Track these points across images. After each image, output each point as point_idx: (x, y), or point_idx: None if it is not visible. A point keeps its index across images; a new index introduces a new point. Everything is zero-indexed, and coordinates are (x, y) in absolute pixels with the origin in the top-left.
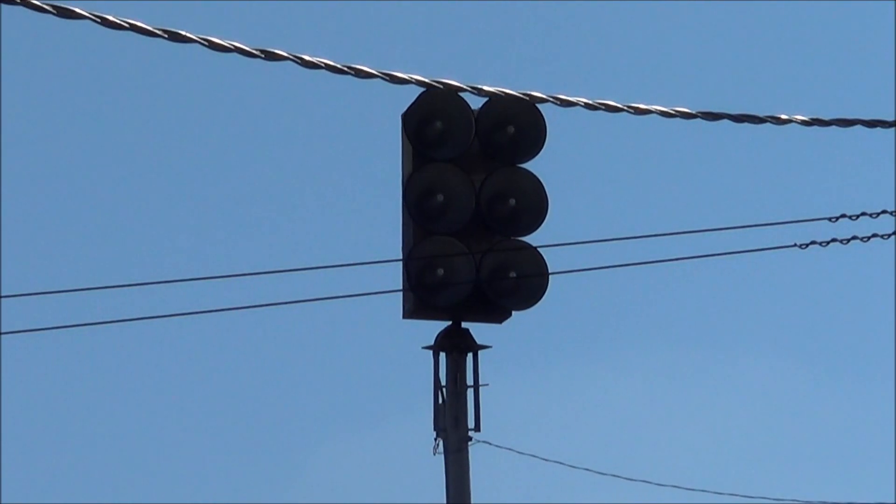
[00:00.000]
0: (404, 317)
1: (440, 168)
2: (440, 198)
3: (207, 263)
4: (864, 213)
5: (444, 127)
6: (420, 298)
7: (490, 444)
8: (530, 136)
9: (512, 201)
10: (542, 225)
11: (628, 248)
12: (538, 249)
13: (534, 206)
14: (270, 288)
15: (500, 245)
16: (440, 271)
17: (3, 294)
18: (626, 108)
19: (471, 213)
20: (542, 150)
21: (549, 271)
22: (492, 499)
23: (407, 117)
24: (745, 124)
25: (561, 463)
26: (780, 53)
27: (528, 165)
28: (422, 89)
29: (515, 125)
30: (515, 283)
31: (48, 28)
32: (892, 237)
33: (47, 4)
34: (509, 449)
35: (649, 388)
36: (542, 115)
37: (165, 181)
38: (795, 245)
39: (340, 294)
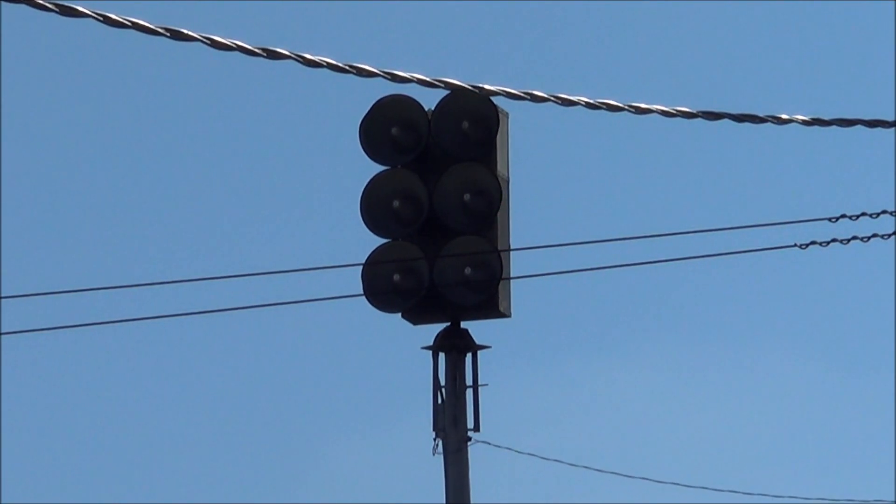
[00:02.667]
0: (415, 323)
1: (396, 174)
2: (396, 204)
3: (208, 263)
4: (864, 214)
5: (399, 132)
6: (375, 305)
7: (489, 444)
8: (485, 130)
9: (467, 196)
10: (496, 217)
11: (627, 248)
12: (487, 242)
13: (487, 199)
14: (269, 289)
15: (449, 248)
16: (396, 277)
17: (3, 294)
18: (626, 107)
19: (425, 216)
20: (507, 144)
21: (502, 264)
22: (491, 499)
23: (363, 127)
24: (746, 124)
25: (560, 461)
26: (781, 53)
27: (518, 162)
28: (420, 90)
29: (469, 120)
30: (469, 279)
31: (51, 26)
32: (892, 237)
33: (50, 3)
34: (508, 448)
35: (648, 386)
36: (493, 107)
37: (167, 181)
38: (795, 245)
39: (340, 295)
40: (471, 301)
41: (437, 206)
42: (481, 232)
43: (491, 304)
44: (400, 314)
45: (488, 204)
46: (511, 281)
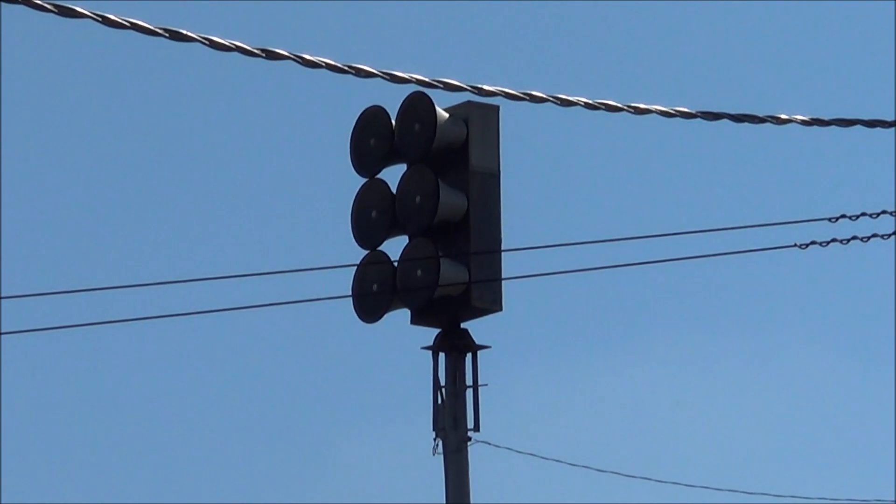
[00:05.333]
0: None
1: (374, 185)
2: (374, 214)
3: (207, 263)
4: (864, 214)
5: (376, 143)
6: (360, 317)
7: (489, 444)
8: (430, 130)
9: (418, 199)
10: (435, 217)
11: (627, 247)
12: (431, 244)
13: (431, 200)
14: (268, 289)
15: (406, 252)
16: (375, 287)
17: (3, 294)
18: (626, 107)
19: (390, 223)
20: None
21: (440, 265)
22: (491, 499)
23: (350, 141)
24: (745, 124)
25: (560, 461)
26: (780, 53)
27: (517, 162)
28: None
29: (420, 122)
30: (419, 282)
31: (49, 27)
32: (892, 237)
33: (49, 3)
34: (508, 448)
35: (647, 385)
36: (431, 105)
37: (166, 181)
38: (795, 245)
39: (340, 295)
40: (419, 303)
41: (397, 211)
42: (428, 233)
43: (463, 301)
44: (409, 319)
45: (433, 205)
46: (503, 275)
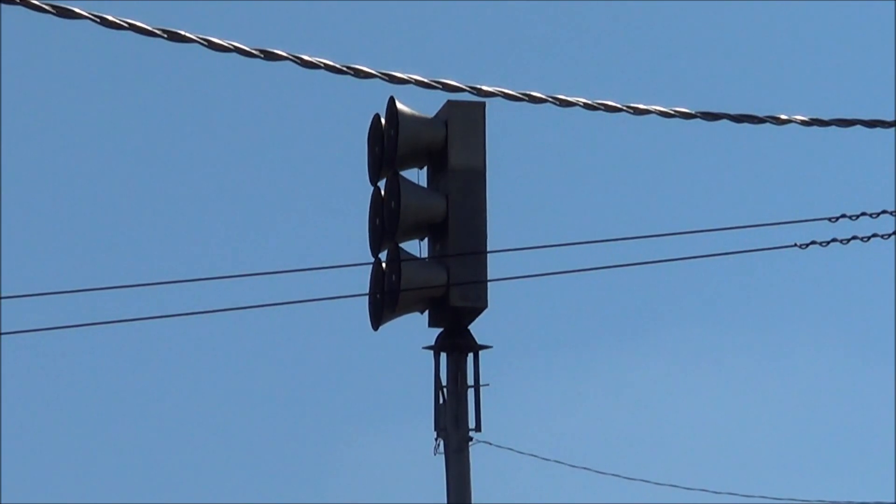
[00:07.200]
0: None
1: (376, 192)
2: (377, 222)
3: (204, 263)
4: (864, 213)
5: (378, 151)
6: (371, 320)
7: (491, 444)
8: (397, 134)
9: (393, 204)
10: (399, 223)
11: (627, 247)
12: (395, 247)
13: (398, 204)
14: (270, 289)
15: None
16: (377, 295)
17: (3, 294)
18: (625, 108)
19: (382, 230)
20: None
21: (401, 268)
22: (492, 499)
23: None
24: (745, 124)
25: (561, 462)
26: (780, 53)
27: (517, 163)
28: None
29: (393, 127)
30: (391, 286)
31: (48, 28)
32: (892, 237)
33: (47, 4)
34: (510, 449)
35: (649, 387)
36: (394, 109)
37: (165, 181)
38: (795, 245)
39: (341, 294)
40: (390, 306)
41: (383, 217)
42: (396, 237)
43: (442, 301)
44: (427, 323)
45: (397, 208)
46: (489, 273)
